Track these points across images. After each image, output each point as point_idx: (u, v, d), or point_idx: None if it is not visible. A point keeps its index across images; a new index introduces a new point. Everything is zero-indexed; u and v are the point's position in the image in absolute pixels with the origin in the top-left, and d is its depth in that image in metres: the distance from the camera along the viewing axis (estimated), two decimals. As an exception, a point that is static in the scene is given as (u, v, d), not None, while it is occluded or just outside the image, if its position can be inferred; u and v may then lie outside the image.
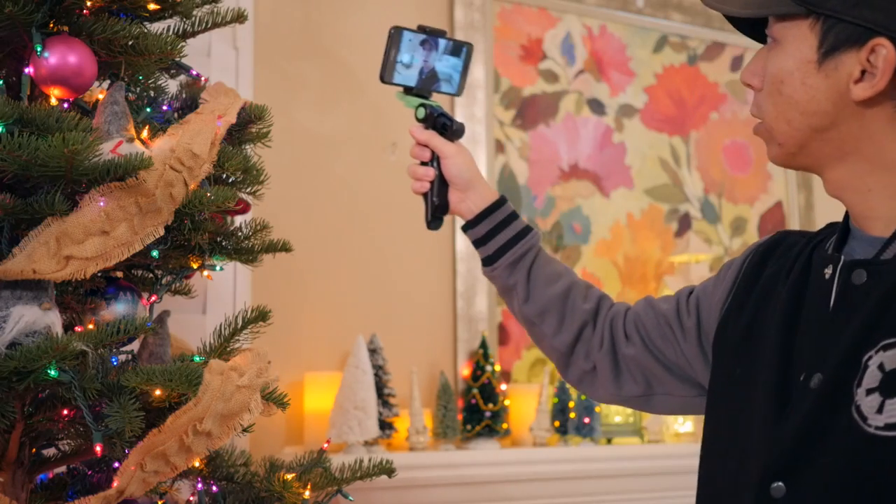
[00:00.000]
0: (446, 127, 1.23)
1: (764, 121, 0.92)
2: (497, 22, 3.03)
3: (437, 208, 1.23)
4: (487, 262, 1.21)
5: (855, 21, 0.82)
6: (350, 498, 1.44)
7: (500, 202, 1.22)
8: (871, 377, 0.77)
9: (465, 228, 1.23)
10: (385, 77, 1.23)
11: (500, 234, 1.20)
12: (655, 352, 1.13)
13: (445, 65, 1.28)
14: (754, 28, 0.95)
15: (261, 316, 1.38)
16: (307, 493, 1.36)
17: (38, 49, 1.15)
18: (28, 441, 1.23)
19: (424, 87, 1.26)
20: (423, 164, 1.24)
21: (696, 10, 3.37)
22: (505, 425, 2.63)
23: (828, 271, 0.88)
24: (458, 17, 2.94)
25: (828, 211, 3.51)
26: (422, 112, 1.24)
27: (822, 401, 0.80)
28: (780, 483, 0.81)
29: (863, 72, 0.83)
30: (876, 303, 0.80)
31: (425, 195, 1.24)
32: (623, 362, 1.16)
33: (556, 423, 2.69)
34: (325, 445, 1.48)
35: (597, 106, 3.15)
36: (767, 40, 0.92)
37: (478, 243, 1.22)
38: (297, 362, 2.61)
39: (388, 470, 1.47)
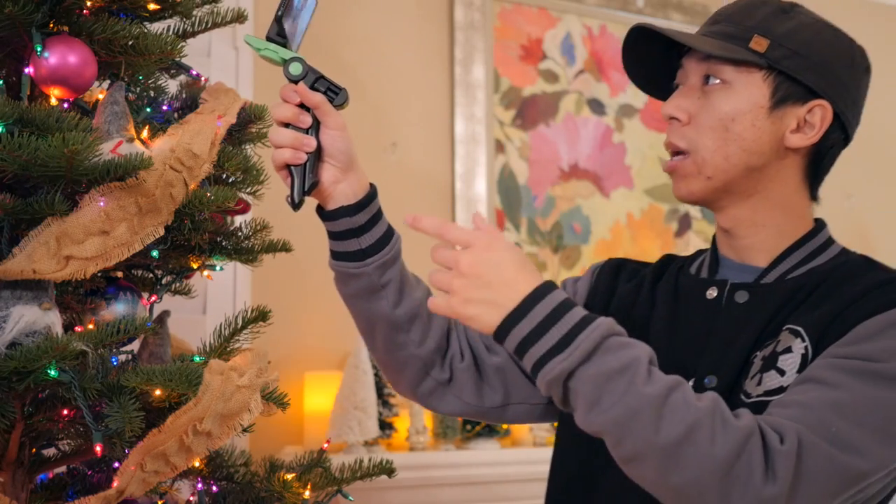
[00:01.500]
0: (335, 93, 1.03)
1: (695, 153, 1.00)
2: (497, 22, 3.03)
3: (310, 187, 1.02)
4: (358, 256, 1.05)
5: (804, 82, 0.97)
6: (350, 498, 1.44)
7: (375, 192, 1.08)
8: (756, 367, 0.94)
9: (336, 216, 1.05)
10: (283, 15, 1.01)
11: (376, 227, 1.06)
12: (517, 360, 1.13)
13: (301, 19, 1.05)
14: (651, 75, 1.08)
15: (261, 316, 1.38)
16: (307, 493, 1.36)
17: (38, 49, 1.15)
18: (28, 441, 1.23)
19: (290, 38, 1.03)
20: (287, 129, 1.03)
21: (695, 10, 3.37)
22: (505, 425, 2.63)
23: (711, 293, 1.02)
24: (458, 17, 2.94)
25: (826, 211, 3.51)
26: (298, 68, 1.01)
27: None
28: None
29: (797, 124, 0.99)
30: (762, 316, 0.96)
31: (294, 169, 1.01)
32: (486, 372, 1.12)
33: (556, 423, 2.69)
34: (325, 445, 1.48)
35: (597, 106, 3.15)
36: (707, 81, 0.99)
37: (349, 234, 1.05)
38: (297, 362, 2.61)
39: (388, 470, 1.47)
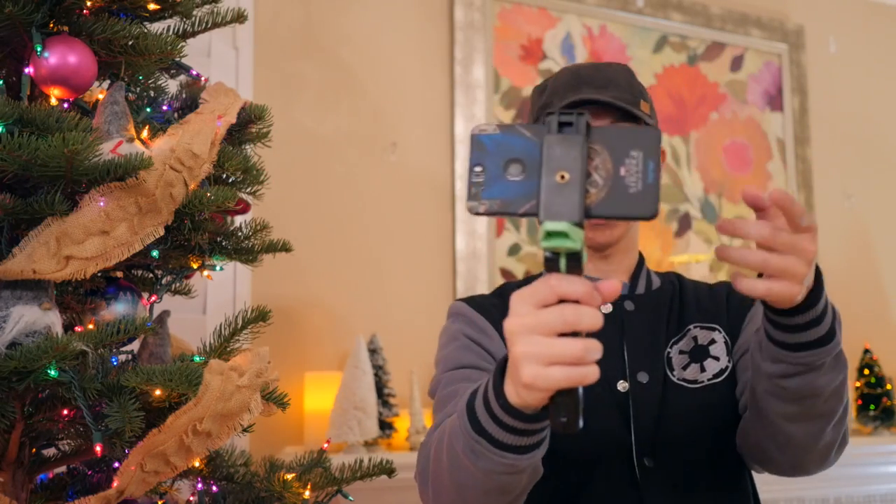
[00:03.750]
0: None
1: None
2: (497, 22, 3.03)
3: None
4: (540, 443, 0.86)
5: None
6: (350, 498, 1.45)
7: None
8: (680, 360, 1.15)
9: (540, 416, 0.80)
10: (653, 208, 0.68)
11: None
12: None
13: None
14: None
15: (261, 316, 1.38)
16: (307, 493, 1.36)
17: (38, 49, 1.15)
18: (28, 441, 1.23)
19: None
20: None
21: (696, 10, 3.37)
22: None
23: (607, 307, 1.19)
24: (458, 17, 2.94)
25: (826, 211, 3.52)
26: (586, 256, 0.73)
27: (654, 387, 1.12)
28: (648, 457, 1.10)
29: None
30: (658, 319, 1.18)
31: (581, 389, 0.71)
32: None
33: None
34: (325, 445, 1.48)
35: (597, 106, 3.15)
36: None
37: (536, 433, 0.83)
38: (297, 362, 2.61)
39: (388, 470, 1.47)
